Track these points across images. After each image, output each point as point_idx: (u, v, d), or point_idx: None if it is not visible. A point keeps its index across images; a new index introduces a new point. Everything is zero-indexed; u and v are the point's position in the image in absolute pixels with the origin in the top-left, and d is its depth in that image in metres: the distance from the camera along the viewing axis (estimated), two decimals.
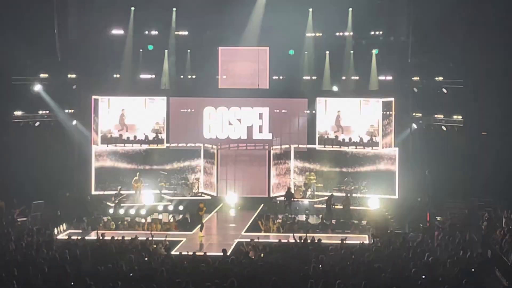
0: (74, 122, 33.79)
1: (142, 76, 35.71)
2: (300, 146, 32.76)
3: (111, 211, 29.82)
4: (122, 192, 30.61)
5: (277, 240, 23.37)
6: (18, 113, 32.48)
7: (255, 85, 33.06)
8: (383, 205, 30.37)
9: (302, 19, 34.45)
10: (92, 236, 24.65)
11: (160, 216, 29.61)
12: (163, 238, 23.75)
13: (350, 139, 31.73)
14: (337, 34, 35.08)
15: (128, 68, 34.88)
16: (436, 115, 32.96)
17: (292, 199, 30.67)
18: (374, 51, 34.15)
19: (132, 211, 30.01)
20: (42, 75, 33.12)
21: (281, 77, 34.99)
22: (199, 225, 26.52)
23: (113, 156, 32.61)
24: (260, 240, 22.84)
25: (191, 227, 27.70)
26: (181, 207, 30.80)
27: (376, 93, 32.89)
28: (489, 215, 26.54)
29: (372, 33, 35.00)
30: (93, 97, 32.29)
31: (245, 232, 26.89)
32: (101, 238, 23.47)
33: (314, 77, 35.17)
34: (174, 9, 34.86)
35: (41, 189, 30.38)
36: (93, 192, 32.02)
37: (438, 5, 30.73)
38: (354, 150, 31.84)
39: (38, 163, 31.53)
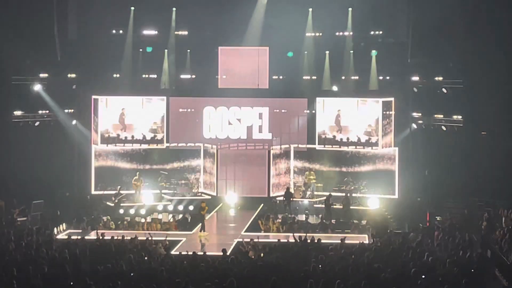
0: (74, 122, 33.78)
1: (142, 75, 35.68)
2: (300, 146, 32.75)
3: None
4: (121, 192, 30.58)
5: (278, 240, 23.40)
6: (18, 113, 32.48)
7: (255, 85, 33.05)
8: (383, 205, 30.38)
9: (302, 19, 34.44)
10: (92, 236, 24.64)
11: (160, 216, 29.62)
12: (163, 238, 23.76)
13: (348, 138, 31.73)
14: (337, 34, 35.07)
15: (128, 68, 34.87)
16: (436, 115, 32.94)
17: (292, 199, 30.68)
18: (373, 53, 34.14)
19: (133, 211, 30.03)
20: (42, 75, 33.11)
21: (281, 77, 34.99)
22: (201, 225, 26.46)
23: (113, 156, 32.61)
24: (260, 240, 22.83)
25: (191, 226, 27.72)
26: (182, 207, 30.77)
27: (376, 93, 32.89)
28: (489, 215, 26.55)
29: (372, 33, 35.00)
30: (93, 97, 32.30)
31: (245, 232, 26.88)
32: (100, 238, 23.47)
33: (314, 77, 35.16)
34: (174, 9, 34.86)
35: (41, 189, 30.40)
36: (93, 192, 32.01)
37: (438, 5, 30.72)
38: (354, 150, 31.85)
39: (38, 163, 31.54)
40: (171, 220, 28.09)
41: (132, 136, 32.46)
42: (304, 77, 35.21)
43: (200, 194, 32.38)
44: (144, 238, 23.12)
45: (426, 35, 32.43)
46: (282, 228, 26.86)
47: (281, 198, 31.17)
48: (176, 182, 32.43)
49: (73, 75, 34.10)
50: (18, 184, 30.31)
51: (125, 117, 32.55)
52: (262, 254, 21.01)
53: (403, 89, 32.98)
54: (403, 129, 32.66)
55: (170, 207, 30.93)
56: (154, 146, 32.79)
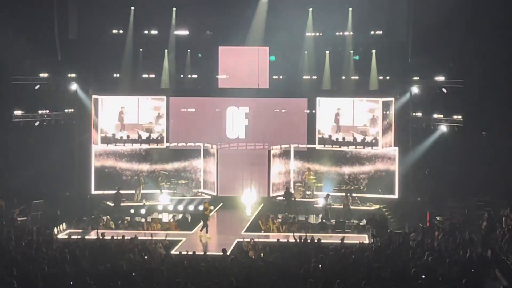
0: (74, 122, 33.78)
1: (142, 75, 35.68)
2: (300, 145, 32.76)
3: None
4: (121, 191, 30.57)
5: (278, 240, 23.40)
6: (18, 112, 32.48)
7: (255, 84, 33.06)
8: (383, 205, 30.39)
9: (302, 18, 34.43)
10: (92, 235, 24.67)
11: (160, 216, 29.62)
12: (163, 238, 23.77)
13: (343, 138, 31.75)
14: (337, 33, 35.07)
15: (128, 68, 34.86)
16: (436, 115, 32.94)
17: (292, 199, 30.69)
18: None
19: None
20: (42, 75, 33.12)
21: (281, 77, 35.00)
22: (204, 225, 26.42)
23: (113, 155, 32.61)
24: (260, 240, 22.83)
25: (191, 226, 27.73)
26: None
27: (376, 93, 32.90)
28: (489, 215, 26.55)
29: (372, 33, 34.99)
30: (93, 96, 32.31)
31: (245, 231, 26.90)
32: (101, 237, 23.48)
33: (314, 77, 35.15)
34: (174, 8, 34.84)
35: (41, 188, 30.43)
36: (93, 192, 32.01)
37: (438, 5, 30.70)
38: (354, 150, 31.86)
39: (38, 162, 31.53)
40: (171, 220, 28.10)
41: (128, 136, 32.41)
42: (304, 77, 35.20)
43: (200, 194, 32.39)
44: (144, 238, 23.12)
45: (426, 35, 32.42)
46: (282, 228, 26.87)
47: (281, 198, 31.19)
48: (176, 182, 32.43)
49: (73, 75, 34.08)
50: (18, 184, 30.30)
51: (124, 115, 32.55)
52: (262, 254, 21.01)
53: (403, 89, 32.99)
54: (403, 129, 32.62)
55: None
56: (154, 146, 32.80)
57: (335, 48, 34.65)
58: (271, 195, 31.87)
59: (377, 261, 18.78)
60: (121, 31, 35.23)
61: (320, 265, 18.45)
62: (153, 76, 35.67)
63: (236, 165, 32.53)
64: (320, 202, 30.10)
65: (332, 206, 29.47)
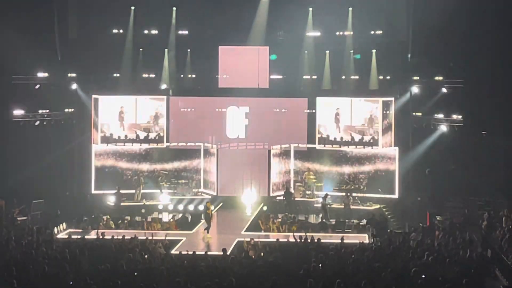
0: (74, 121, 33.79)
1: (142, 75, 35.69)
2: (300, 145, 32.76)
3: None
4: (121, 191, 30.56)
5: (277, 240, 23.40)
6: (18, 112, 32.47)
7: (255, 84, 33.06)
8: (383, 205, 30.39)
9: (302, 18, 34.43)
10: (92, 235, 24.66)
11: (160, 216, 29.62)
12: (163, 238, 23.76)
13: (341, 138, 31.75)
14: (337, 33, 35.07)
15: (128, 68, 34.86)
16: (436, 115, 32.94)
17: (292, 199, 30.68)
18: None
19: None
20: (42, 74, 33.11)
21: (281, 77, 35.00)
22: (207, 225, 26.39)
23: (113, 155, 32.60)
24: (260, 240, 22.83)
25: (191, 226, 27.73)
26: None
27: (376, 93, 32.90)
28: (489, 215, 26.55)
29: (372, 32, 34.98)
30: (93, 96, 32.31)
31: (245, 231, 26.89)
32: (101, 237, 23.48)
33: (314, 77, 35.16)
34: (174, 8, 34.84)
35: (41, 188, 30.41)
36: (93, 191, 32.00)
37: (438, 5, 30.69)
38: (354, 150, 31.85)
39: (38, 162, 31.52)
40: (171, 220, 28.10)
41: (126, 136, 32.39)
42: (304, 77, 35.20)
43: (200, 193, 32.39)
44: (144, 237, 23.12)
45: (426, 35, 32.41)
46: (282, 228, 26.87)
47: (281, 197, 31.18)
48: (176, 182, 32.43)
49: (73, 75, 34.09)
50: (18, 183, 30.29)
51: (124, 115, 32.56)
52: (262, 254, 21.01)
53: (403, 88, 32.98)
54: (403, 128, 32.62)
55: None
56: (154, 145, 32.80)
57: (335, 48, 34.62)
58: (271, 194, 31.86)
59: (377, 261, 18.78)
60: (121, 31, 35.22)
61: (320, 265, 18.45)
62: (153, 76, 35.68)
63: (236, 164, 32.51)
64: (319, 202, 30.06)
65: (331, 206, 29.42)
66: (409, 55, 33.64)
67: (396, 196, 31.09)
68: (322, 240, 22.46)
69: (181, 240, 25.23)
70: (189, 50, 35.19)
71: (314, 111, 32.58)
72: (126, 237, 22.98)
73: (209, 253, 21.36)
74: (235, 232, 26.48)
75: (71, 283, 16.90)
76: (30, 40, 30.74)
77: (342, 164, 32.24)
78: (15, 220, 27.40)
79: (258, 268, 18.09)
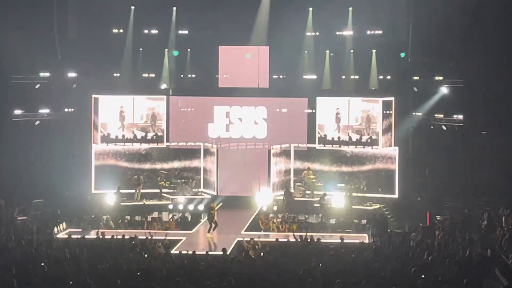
0: (74, 121, 33.80)
1: (142, 75, 35.72)
2: (300, 145, 32.76)
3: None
4: (121, 191, 30.56)
5: (277, 239, 23.40)
6: (18, 112, 32.47)
7: (255, 84, 33.06)
8: (383, 205, 30.38)
9: (302, 18, 34.44)
10: (92, 235, 24.67)
11: (160, 215, 29.64)
12: (163, 237, 23.77)
13: (339, 138, 31.75)
14: (337, 33, 35.08)
15: (128, 67, 34.88)
16: (436, 115, 32.94)
17: (292, 198, 30.67)
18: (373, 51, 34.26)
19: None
20: (42, 74, 33.11)
21: (281, 76, 35.02)
22: (210, 225, 26.36)
23: (113, 155, 32.59)
24: (260, 239, 22.84)
25: (191, 226, 27.75)
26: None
27: (376, 93, 32.91)
28: (489, 215, 26.54)
29: (372, 32, 34.99)
30: (93, 96, 32.29)
31: (245, 231, 26.90)
32: (101, 237, 23.48)
33: (314, 76, 35.16)
34: (174, 8, 34.85)
35: (41, 188, 30.41)
36: (93, 191, 32.00)
37: (438, 5, 30.70)
38: (354, 150, 31.85)
39: (38, 162, 31.53)
40: (171, 220, 28.11)
41: (124, 136, 32.40)
42: (304, 77, 35.21)
43: (200, 193, 32.40)
44: (144, 237, 23.13)
45: (426, 35, 32.41)
46: (282, 227, 26.87)
47: (281, 197, 31.17)
48: (176, 181, 32.43)
49: (73, 74, 34.10)
50: (18, 183, 30.30)
51: (124, 114, 32.57)
52: (262, 254, 21.01)
53: (403, 88, 32.95)
54: (403, 128, 32.64)
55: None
56: (154, 145, 32.81)
57: (335, 47, 34.63)
58: (271, 194, 31.84)
59: (377, 261, 18.79)
60: (121, 31, 35.23)
61: (320, 265, 18.44)
62: (153, 75, 35.69)
63: (236, 164, 32.55)
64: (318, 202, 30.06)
65: (330, 206, 29.37)
66: (409, 55, 33.64)
67: (396, 196, 31.07)
68: (322, 240, 22.45)
69: (181, 240, 25.24)
70: (189, 50, 35.20)
71: (314, 111, 32.58)
72: (126, 237, 22.97)
73: (209, 252, 21.36)
74: (235, 232, 26.50)
75: (71, 282, 16.89)
76: (30, 40, 30.76)
77: (342, 163, 32.22)
78: (15, 220, 27.40)
79: (258, 268, 18.09)
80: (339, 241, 22.29)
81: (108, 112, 32.45)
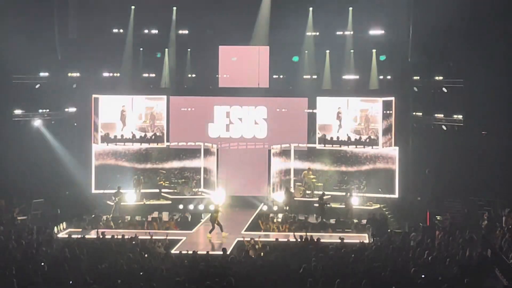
0: (74, 121, 33.80)
1: (142, 75, 35.73)
2: (300, 145, 32.76)
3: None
4: (121, 191, 30.55)
5: (276, 239, 23.40)
6: (18, 111, 32.47)
7: (255, 84, 33.07)
8: (383, 204, 30.39)
9: (302, 18, 34.45)
10: (92, 235, 24.67)
11: (159, 215, 29.65)
12: (163, 237, 23.77)
13: (338, 138, 31.75)
14: (338, 33, 35.09)
15: (128, 67, 34.88)
16: (436, 115, 32.94)
17: (292, 198, 30.67)
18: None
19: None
20: (42, 74, 33.11)
21: (281, 76, 35.04)
22: (213, 227, 26.34)
23: (113, 155, 32.59)
24: (260, 239, 22.84)
25: (191, 226, 27.75)
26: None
27: (376, 93, 32.91)
28: (489, 215, 26.53)
29: (373, 32, 35.00)
30: (93, 95, 32.29)
31: (245, 231, 26.91)
32: (101, 236, 23.48)
33: (314, 76, 35.17)
34: (175, 8, 34.86)
35: (41, 187, 30.40)
36: (93, 191, 32.00)
37: (439, 5, 30.70)
38: (355, 149, 31.86)
39: (38, 161, 31.52)
40: (171, 220, 28.11)
41: (122, 136, 32.38)
42: (304, 76, 35.22)
43: (200, 193, 32.40)
44: (144, 237, 23.13)
45: (426, 35, 32.41)
46: (282, 228, 26.87)
47: (282, 197, 31.16)
48: (176, 181, 32.43)
49: (74, 74, 34.10)
50: (18, 183, 30.29)
51: (125, 113, 32.58)
52: (262, 253, 21.01)
53: (403, 88, 32.95)
54: (404, 128, 32.64)
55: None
56: (154, 145, 32.81)
57: (336, 47, 34.64)
58: (271, 194, 31.86)
59: (377, 261, 18.79)
60: (121, 30, 35.24)
61: (320, 265, 18.44)
62: (153, 75, 35.71)
63: (236, 164, 32.57)
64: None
65: (329, 205, 29.33)
66: (409, 55, 33.63)
67: (396, 196, 31.09)
68: (322, 240, 22.45)
69: (181, 239, 25.24)
70: (189, 49, 35.21)
71: (314, 110, 32.58)
72: (126, 237, 22.97)
73: (210, 252, 21.37)
74: (235, 232, 26.49)
75: (71, 282, 16.90)
76: (30, 40, 30.75)
77: (342, 163, 32.23)
78: (15, 220, 27.39)
79: (258, 268, 18.09)
80: (339, 241, 22.27)
81: (109, 112, 32.44)
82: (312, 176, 31.74)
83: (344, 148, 31.96)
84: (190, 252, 20.58)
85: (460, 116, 31.99)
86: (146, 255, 20.32)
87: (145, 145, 32.76)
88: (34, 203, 28.87)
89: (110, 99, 32.53)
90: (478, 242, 23.28)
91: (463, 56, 31.42)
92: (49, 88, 33.30)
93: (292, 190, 31.44)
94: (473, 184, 30.23)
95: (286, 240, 23.80)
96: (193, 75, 35.74)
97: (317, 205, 29.50)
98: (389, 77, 34.74)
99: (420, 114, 33.49)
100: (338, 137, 31.86)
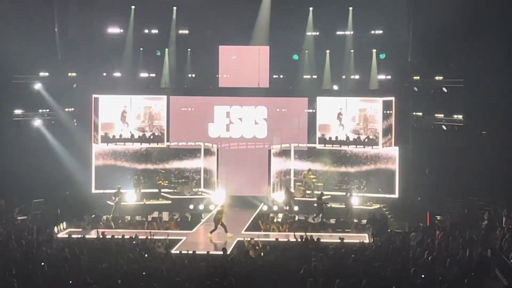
0: (74, 121, 33.81)
1: (142, 74, 35.75)
2: (300, 145, 32.76)
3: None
4: (121, 190, 30.55)
5: (276, 239, 23.40)
6: (18, 111, 32.46)
7: (256, 84, 33.08)
8: (383, 204, 30.39)
9: (302, 18, 34.46)
10: (92, 234, 24.67)
11: (159, 215, 29.64)
12: (163, 237, 23.76)
13: (336, 137, 31.75)
14: (338, 33, 35.11)
15: (128, 67, 34.89)
16: (436, 115, 32.95)
17: (292, 198, 30.67)
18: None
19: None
20: (42, 74, 33.12)
21: (281, 76, 35.05)
22: (215, 227, 26.35)
23: (113, 155, 32.59)
24: (260, 239, 22.84)
25: (191, 226, 27.75)
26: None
27: (376, 92, 32.92)
28: (489, 215, 26.53)
29: (373, 32, 35.01)
30: (93, 95, 32.29)
31: (245, 231, 26.91)
32: (101, 236, 23.48)
33: (314, 76, 35.19)
34: (175, 7, 34.86)
35: (41, 187, 30.41)
36: (93, 191, 32.00)
37: (439, 5, 30.71)
38: (354, 149, 31.86)
39: (38, 161, 31.52)
40: (171, 220, 28.10)
41: (121, 135, 32.39)
42: (304, 76, 35.23)
43: (200, 193, 32.41)
44: (144, 237, 23.12)
45: (426, 35, 32.42)
46: (282, 227, 26.87)
47: (282, 197, 31.16)
48: (176, 181, 32.43)
49: (74, 74, 34.11)
50: (18, 183, 30.29)
51: (126, 114, 32.59)
52: (262, 253, 21.01)
53: (403, 88, 32.95)
54: (404, 128, 32.64)
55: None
56: (154, 145, 32.82)
57: (336, 47, 34.65)
58: (271, 194, 31.86)
59: (377, 261, 18.77)
60: (121, 30, 35.25)
61: (320, 265, 18.44)
62: (153, 75, 35.71)
63: (236, 164, 32.57)
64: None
65: (327, 205, 29.31)
66: (409, 55, 33.63)
67: (396, 196, 31.09)
68: (322, 240, 22.45)
69: (181, 239, 25.24)
70: (189, 49, 35.22)
71: (314, 110, 32.59)
72: (126, 237, 22.97)
73: (210, 252, 21.37)
74: (235, 232, 26.49)
75: (70, 282, 16.90)
76: (30, 40, 30.76)
77: (342, 163, 32.23)
78: (15, 220, 27.40)
79: (258, 268, 18.09)
80: (339, 241, 22.27)
81: (110, 112, 32.43)
82: (312, 176, 31.74)
83: (344, 148, 31.96)
84: (190, 252, 20.58)
85: (460, 116, 31.99)
86: (146, 255, 20.31)
87: (145, 145, 32.77)
88: (34, 203, 28.87)
89: (110, 99, 32.53)
90: (478, 242, 23.27)
91: (463, 56, 31.43)
92: (49, 88, 33.27)
93: (292, 190, 31.43)
94: (473, 184, 30.24)
95: (286, 240, 23.80)
96: (193, 75, 35.74)
97: (315, 204, 29.49)
98: (389, 77, 34.74)
99: (420, 114, 33.47)
100: (336, 137, 31.84)
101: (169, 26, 35.09)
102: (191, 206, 30.74)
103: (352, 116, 31.76)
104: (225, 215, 26.77)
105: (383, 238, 23.84)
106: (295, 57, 34.87)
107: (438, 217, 27.48)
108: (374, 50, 34.09)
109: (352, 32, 34.65)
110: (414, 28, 33.21)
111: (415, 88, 33.57)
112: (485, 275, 19.20)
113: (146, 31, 35.63)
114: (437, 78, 33.12)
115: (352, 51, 34.58)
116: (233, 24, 33.85)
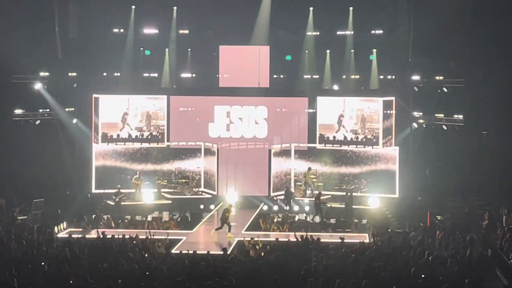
0: (75, 121, 33.82)
1: (143, 74, 35.76)
2: (301, 145, 32.77)
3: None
4: (122, 190, 30.57)
5: (276, 239, 23.39)
6: (18, 111, 32.48)
7: (256, 83, 33.08)
8: (384, 204, 30.38)
9: (303, 18, 34.47)
10: (93, 234, 24.67)
11: (159, 215, 29.65)
12: (164, 237, 23.76)
13: (334, 137, 31.74)
14: (338, 33, 35.12)
15: (128, 67, 34.90)
16: (436, 115, 32.96)
17: (292, 198, 30.68)
18: (372, 57, 34.23)
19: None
20: (42, 74, 33.12)
21: (281, 76, 35.06)
22: (221, 226, 26.34)
23: (113, 154, 32.60)
24: (260, 239, 22.84)
25: (192, 225, 27.75)
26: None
27: (376, 92, 32.93)
28: (490, 214, 26.54)
29: (373, 32, 35.02)
30: (94, 95, 32.30)
31: (245, 231, 26.90)
32: (101, 236, 23.47)
33: (314, 76, 35.20)
34: (175, 7, 34.87)
35: (42, 187, 30.39)
36: (94, 191, 32.01)
37: (439, 5, 30.71)
38: (355, 149, 31.87)
39: (39, 161, 31.51)
40: (171, 220, 28.10)
41: (119, 135, 32.38)
42: (304, 76, 35.25)
43: (200, 193, 32.42)
44: (145, 237, 23.12)
45: (426, 34, 32.42)
46: (282, 227, 26.87)
47: (282, 197, 31.19)
48: (176, 181, 32.43)
49: (74, 74, 34.12)
50: (18, 183, 30.29)
51: (127, 116, 32.58)
52: (262, 253, 21.01)
53: (403, 88, 32.96)
54: (404, 128, 32.68)
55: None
56: (154, 145, 32.82)
57: (336, 47, 34.66)
58: (271, 194, 31.89)
59: (377, 261, 18.76)
60: (121, 30, 35.25)
61: (320, 265, 18.44)
62: (154, 75, 35.71)
63: (236, 164, 32.58)
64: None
65: (326, 204, 29.28)
66: (409, 55, 33.64)
67: (396, 196, 31.09)
68: (322, 240, 22.44)
69: (181, 239, 25.24)
70: (189, 49, 35.22)
71: (314, 110, 32.60)
72: (126, 236, 22.97)
73: (210, 252, 21.36)
74: (236, 232, 26.48)
75: (70, 282, 16.90)
76: (30, 40, 30.75)
77: (343, 163, 32.24)
78: (15, 219, 27.40)
79: (258, 268, 18.08)
80: (339, 241, 22.27)
81: (109, 112, 32.43)
82: (312, 176, 31.75)
83: (344, 148, 31.97)
84: (191, 252, 20.56)
85: (461, 116, 31.98)
86: (146, 255, 20.31)
87: (145, 145, 32.78)
88: (35, 203, 28.86)
89: (110, 99, 32.53)
90: (478, 242, 23.28)
91: (463, 56, 31.43)
92: (49, 88, 33.27)
93: (292, 190, 31.44)
94: (473, 184, 30.24)
95: (286, 240, 23.79)
96: (193, 75, 35.74)
97: (314, 204, 29.50)
98: (389, 77, 34.73)
99: (420, 114, 33.47)
100: (334, 137, 31.85)
101: (169, 26, 35.09)
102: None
103: (350, 116, 31.77)
104: (231, 214, 26.79)
105: (383, 238, 23.83)
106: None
107: (438, 217, 27.49)
108: (374, 50, 34.08)
109: (352, 32, 34.65)
110: (414, 28, 33.20)
111: (415, 88, 33.57)
112: (486, 275, 19.19)
113: (146, 31, 35.60)
114: (437, 78, 33.12)
115: (352, 51, 34.58)
116: (233, 24, 33.89)
